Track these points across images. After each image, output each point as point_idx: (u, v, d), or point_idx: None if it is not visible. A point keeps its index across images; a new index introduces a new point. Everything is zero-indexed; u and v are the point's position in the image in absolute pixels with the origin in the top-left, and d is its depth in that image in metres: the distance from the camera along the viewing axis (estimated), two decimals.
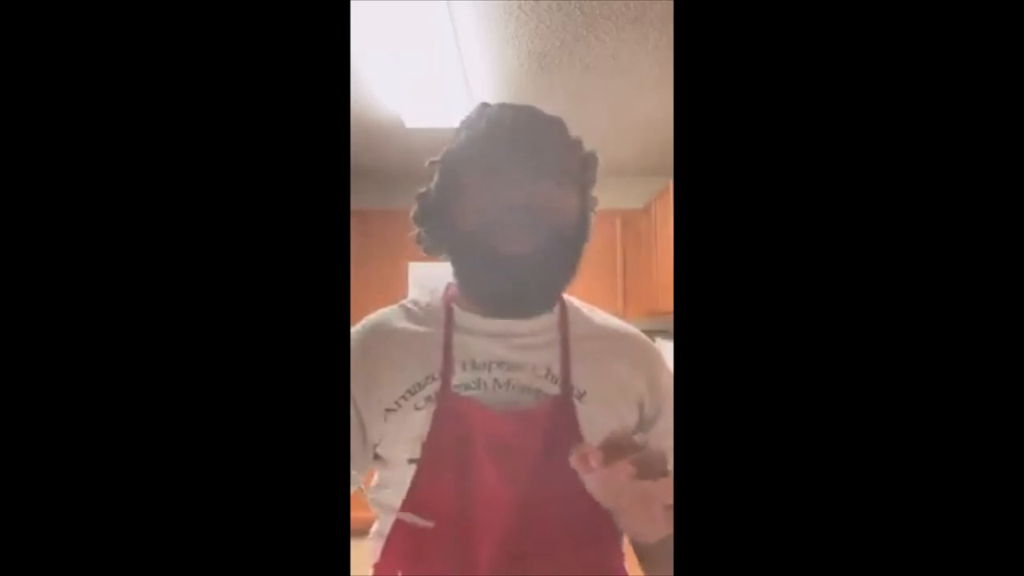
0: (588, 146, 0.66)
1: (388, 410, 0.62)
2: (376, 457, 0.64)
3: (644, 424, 0.66)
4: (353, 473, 0.64)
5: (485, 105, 0.66)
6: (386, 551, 0.62)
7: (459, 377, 0.62)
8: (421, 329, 0.66)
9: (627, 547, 0.66)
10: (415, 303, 0.70)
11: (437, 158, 0.67)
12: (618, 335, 0.70)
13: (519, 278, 0.60)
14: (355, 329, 0.68)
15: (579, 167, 0.64)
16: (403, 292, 2.94)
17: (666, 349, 2.64)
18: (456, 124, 0.67)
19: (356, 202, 3.00)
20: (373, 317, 0.69)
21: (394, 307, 0.70)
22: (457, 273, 0.66)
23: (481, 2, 1.52)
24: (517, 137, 0.60)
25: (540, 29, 1.66)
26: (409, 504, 0.60)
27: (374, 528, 0.66)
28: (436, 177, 0.66)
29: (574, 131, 0.65)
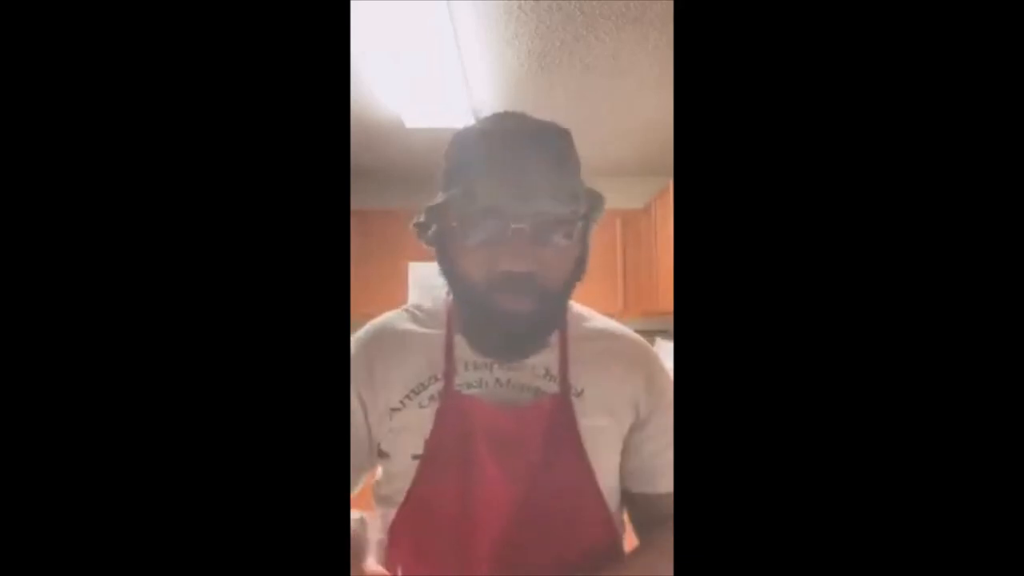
0: (588, 147, 0.65)
1: (393, 409, 0.63)
2: (381, 454, 0.65)
3: (638, 424, 0.66)
4: (355, 475, 0.65)
5: (477, 130, 0.60)
6: (387, 547, 0.63)
7: (461, 376, 0.63)
8: (425, 331, 0.67)
9: (627, 545, 0.66)
10: (418, 308, 0.70)
11: (422, 220, 0.61)
12: (615, 337, 0.70)
13: (517, 331, 0.59)
14: (361, 332, 0.68)
15: (585, 211, 0.60)
16: (403, 292, 2.94)
17: (666, 349, 2.64)
18: (457, 125, 0.64)
19: (356, 202, 2.99)
20: (378, 320, 0.70)
21: (398, 311, 0.71)
22: (456, 308, 0.64)
23: (481, 2, 1.52)
24: (523, 193, 0.54)
25: (540, 29, 1.66)
26: (411, 499, 0.60)
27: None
28: (434, 227, 0.61)
29: (574, 131, 0.64)
